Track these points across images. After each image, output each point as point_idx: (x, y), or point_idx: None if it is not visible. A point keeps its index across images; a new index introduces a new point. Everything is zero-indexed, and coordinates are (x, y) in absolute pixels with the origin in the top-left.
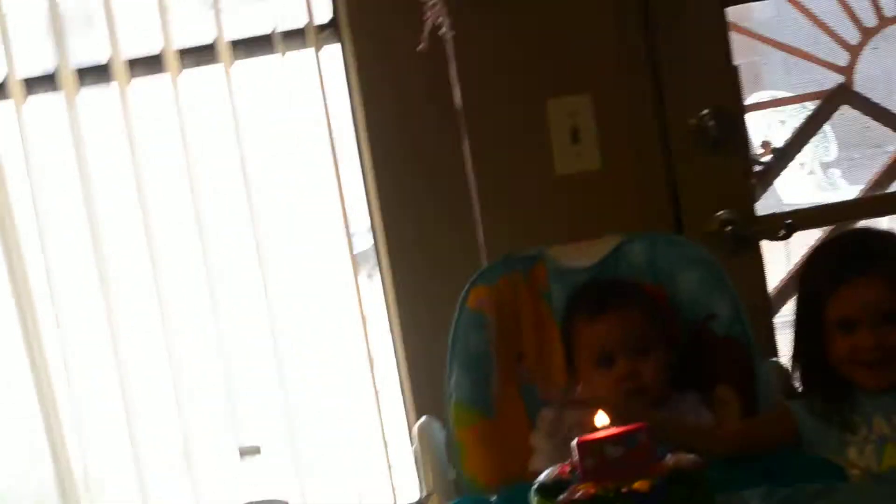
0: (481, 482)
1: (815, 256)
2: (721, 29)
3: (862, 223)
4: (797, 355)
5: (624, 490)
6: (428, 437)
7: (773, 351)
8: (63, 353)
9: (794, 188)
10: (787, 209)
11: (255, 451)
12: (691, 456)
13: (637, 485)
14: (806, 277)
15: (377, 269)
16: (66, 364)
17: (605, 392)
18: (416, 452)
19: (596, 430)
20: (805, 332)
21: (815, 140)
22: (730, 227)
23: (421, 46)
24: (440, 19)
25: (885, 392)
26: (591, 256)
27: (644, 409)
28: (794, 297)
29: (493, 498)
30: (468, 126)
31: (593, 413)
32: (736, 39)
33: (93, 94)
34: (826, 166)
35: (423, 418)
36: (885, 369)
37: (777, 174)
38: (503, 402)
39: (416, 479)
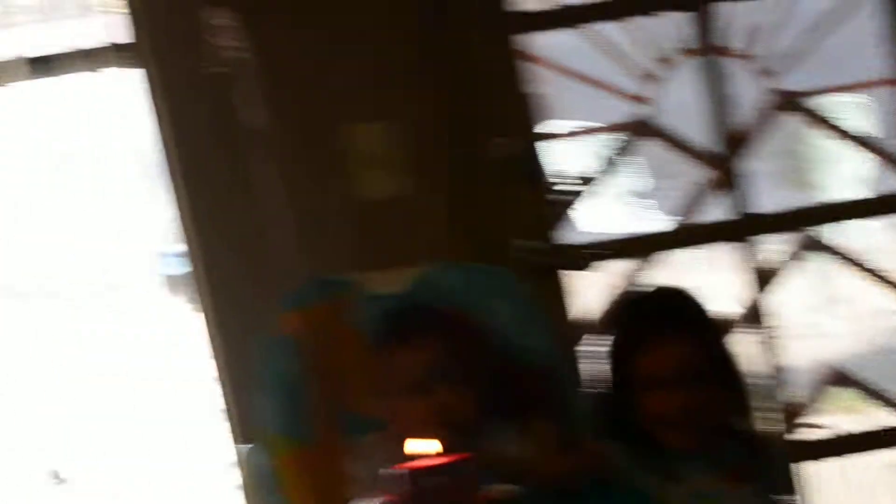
0: None
1: (624, 310)
2: (512, 58)
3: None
4: (606, 408)
5: None
6: (254, 465)
7: (578, 381)
8: None
9: (600, 218)
10: (592, 239)
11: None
12: (509, 487)
13: None
14: (615, 331)
15: (196, 293)
16: None
17: (418, 422)
18: (244, 480)
19: (419, 457)
20: (614, 386)
21: (625, 170)
22: (530, 257)
23: (209, 69)
24: (229, 43)
25: (693, 454)
26: (401, 283)
27: (465, 440)
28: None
29: None
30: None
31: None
32: (538, 69)
33: None
34: (631, 197)
35: (250, 446)
36: (690, 430)
37: (582, 203)
38: (319, 428)
39: None
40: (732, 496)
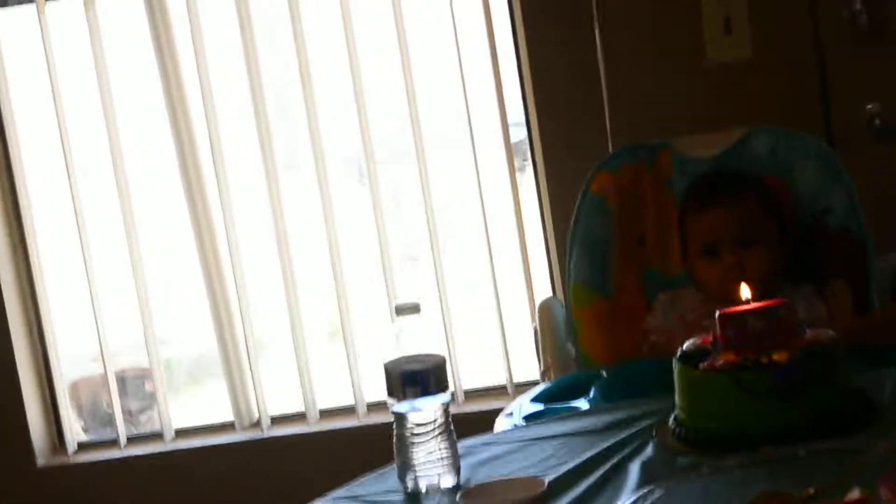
0: (595, 359)
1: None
2: None
3: None
4: None
5: (763, 360)
6: (548, 315)
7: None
8: (226, 227)
9: None
10: None
11: (415, 308)
12: (830, 332)
13: (776, 356)
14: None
15: (529, 160)
16: (228, 237)
17: (711, 282)
18: (536, 329)
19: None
20: None
21: None
22: (878, 121)
23: None
24: None
25: None
26: (715, 147)
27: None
28: None
29: (605, 373)
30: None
31: (737, 287)
32: None
33: None
34: None
35: (546, 298)
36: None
37: None
38: (621, 283)
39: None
40: None
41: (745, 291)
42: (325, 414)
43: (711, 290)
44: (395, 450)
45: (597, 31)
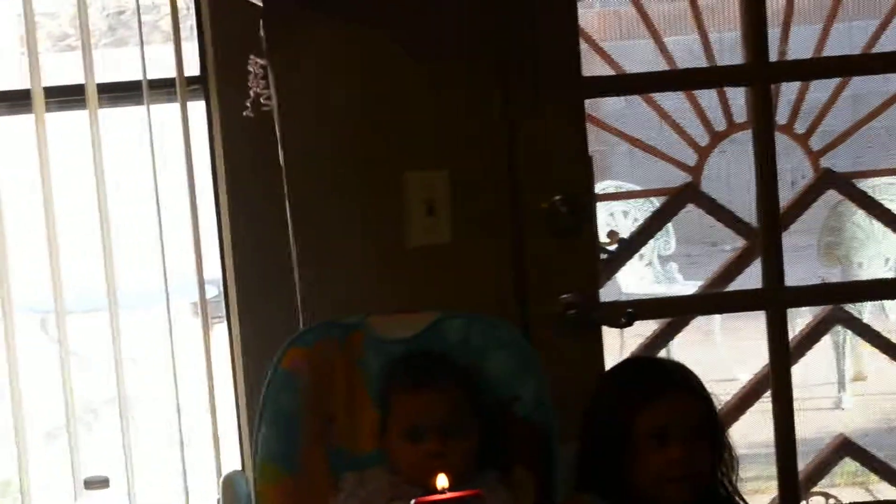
0: None
1: (616, 378)
2: (579, 119)
3: None
4: (594, 472)
5: None
6: (231, 490)
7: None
8: None
9: (631, 278)
10: (626, 298)
11: (104, 483)
12: None
13: None
14: (610, 395)
15: (224, 318)
16: None
17: (409, 465)
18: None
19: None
20: (608, 448)
21: (665, 234)
22: (573, 311)
23: (246, 113)
24: (262, 89)
25: None
26: (409, 329)
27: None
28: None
29: None
30: (292, 198)
31: (436, 474)
32: (596, 130)
33: None
34: (664, 260)
35: (230, 471)
36: (691, 486)
37: (621, 263)
38: (308, 461)
39: None
40: None
41: (441, 480)
42: None
43: (408, 473)
44: None
45: (287, 206)
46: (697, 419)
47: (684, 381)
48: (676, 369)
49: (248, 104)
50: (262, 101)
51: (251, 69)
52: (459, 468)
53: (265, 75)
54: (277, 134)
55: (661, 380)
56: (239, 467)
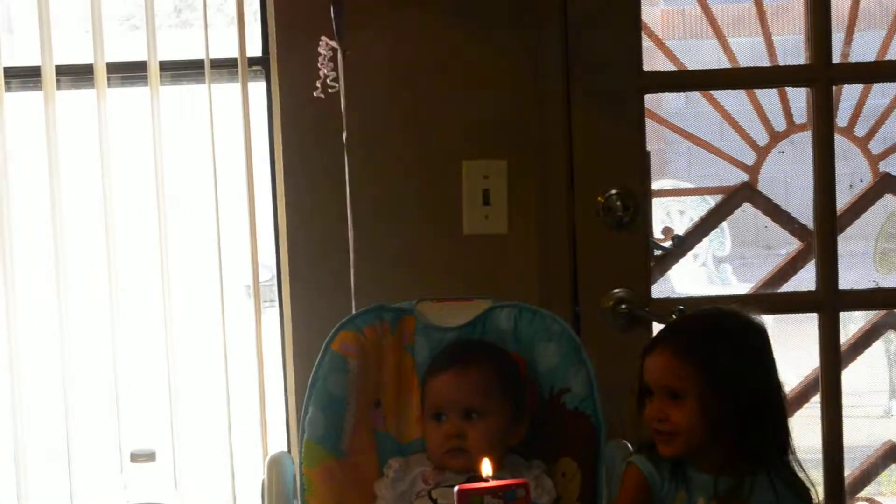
0: None
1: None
2: (639, 114)
3: None
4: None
5: None
6: (277, 470)
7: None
8: None
9: (685, 278)
10: (678, 296)
11: (150, 456)
12: None
13: None
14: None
15: (276, 300)
16: None
17: (433, 446)
18: (263, 484)
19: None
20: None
21: (711, 234)
22: (624, 306)
23: (317, 93)
24: (331, 72)
25: (709, 474)
26: (460, 317)
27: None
28: None
29: None
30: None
31: (454, 455)
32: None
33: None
34: (719, 261)
35: (275, 452)
36: (670, 440)
37: (675, 261)
38: (355, 445)
39: None
40: None
41: (486, 467)
42: None
43: (433, 455)
44: None
45: (347, 187)
46: (672, 380)
47: (673, 339)
48: (680, 327)
49: (318, 84)
50: (328, 82)
51: (321, 51)
52: (481, 448)
53: (333, 57)
54: (343, 116)
55: (662, 334)
56: (285, 448)
